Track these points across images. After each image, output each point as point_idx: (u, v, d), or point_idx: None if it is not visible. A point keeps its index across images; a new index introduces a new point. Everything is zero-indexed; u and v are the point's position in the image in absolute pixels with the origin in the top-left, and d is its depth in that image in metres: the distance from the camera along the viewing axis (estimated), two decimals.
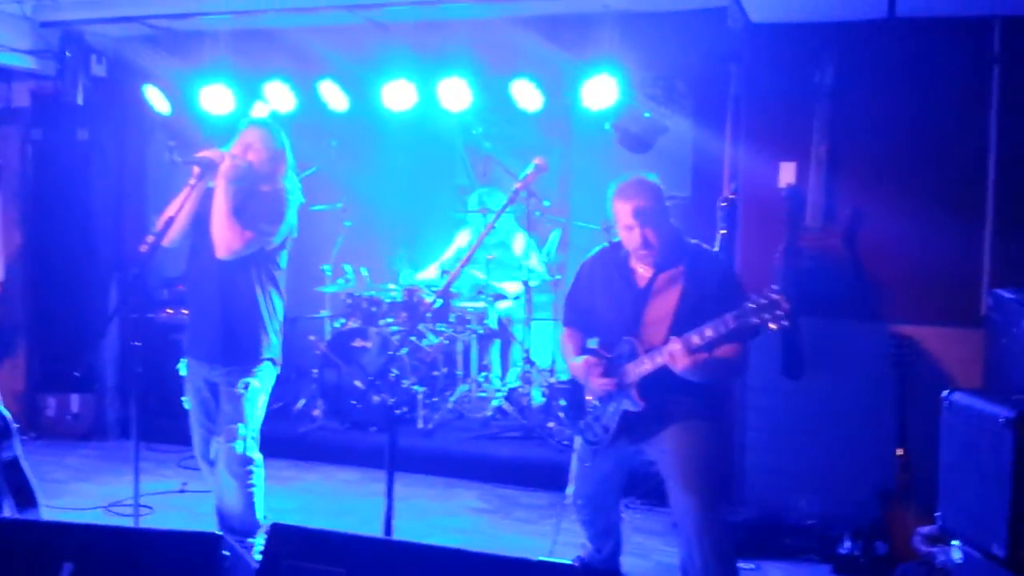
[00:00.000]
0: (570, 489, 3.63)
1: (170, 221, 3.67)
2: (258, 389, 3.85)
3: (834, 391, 4.52)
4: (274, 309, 3.90)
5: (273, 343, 3.90)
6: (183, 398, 4.00)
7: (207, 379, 3.90)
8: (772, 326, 2.95)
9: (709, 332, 3.04)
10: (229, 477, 3.82)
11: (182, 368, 4.00)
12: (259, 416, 3.90)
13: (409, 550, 2.34)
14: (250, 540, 3.86)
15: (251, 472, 3.85)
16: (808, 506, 4.49)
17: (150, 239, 3.67)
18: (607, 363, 3.36)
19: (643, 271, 3.37)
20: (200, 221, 3.81)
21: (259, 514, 3.89)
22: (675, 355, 3.08)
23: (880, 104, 4.55)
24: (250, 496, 3.85)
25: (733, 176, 5.03)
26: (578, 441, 3.57)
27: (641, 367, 3.23)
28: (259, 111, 5.94)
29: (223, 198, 3.68)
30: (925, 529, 3.79)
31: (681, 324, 3.15)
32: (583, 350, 3.50)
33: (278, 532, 2.41)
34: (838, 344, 4.53)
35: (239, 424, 3.79)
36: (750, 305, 2.96)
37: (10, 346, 6.29)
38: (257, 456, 3.89)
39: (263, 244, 3.78)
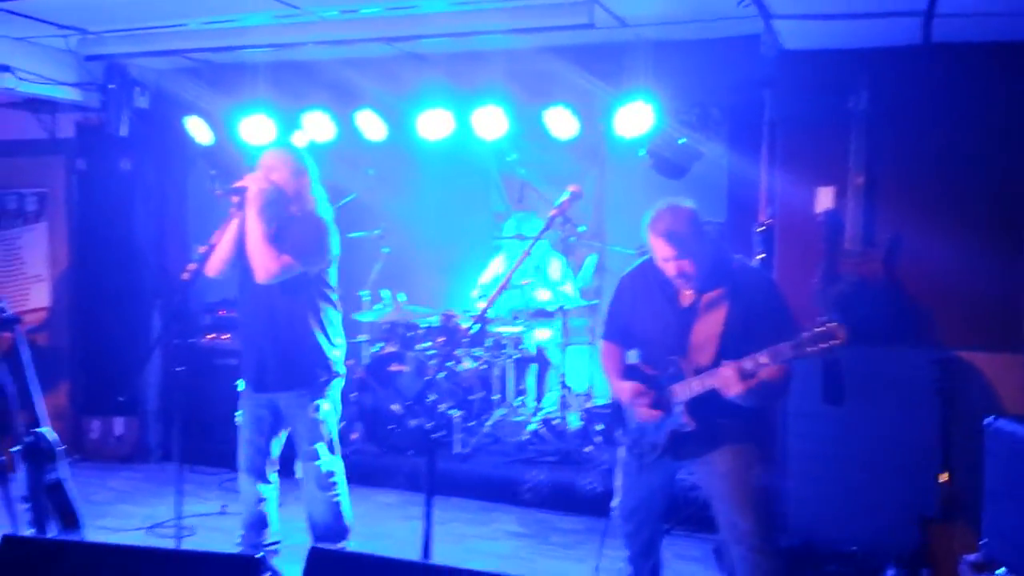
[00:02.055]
0: (615, 502, 3.58)
1: (211, 249, 3.75)
2: (330, 409, 3.97)
3: (876, 417, 4.48)
4: (331, 324, 3.99)
5: (334, 359, 3.99)
6: (237, 412, 4.07)
7: (270, 401, 3.98)
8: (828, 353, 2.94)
9: (764, 360, 3.02)
10: (317, 491, 3.98)
11: (240, 384, 4.07)
12: (335, 430, 4.01)
13: (449, 575, 2.34)
14: (341, 543, 4.01)
15: (335, 484, 4.01)
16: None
17: (192, 267, 3.76)
18: (651, 381, 3.34)
19: (687, 291, 3.34)
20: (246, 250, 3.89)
21: (347, 518, 4.04)
22: (728, 381, 3.05)
23: (916, 129, 4.54)
24: (337, 505, 4.02)
25: (769, 201, 5.03)
26: (621, 452, 3.53)
27: (690, 389, 3.21)
28: (298, 140, 6.06)
29: (255, 223, 3.76)
30: (971, 557, 3.72)
31: (728, 345, 3.13)
32: (625, 369, 3.48)
33: (318, 556, 2.43)
34: (879, 370, 4.49)
35: (317, 445, 3.92)
36: (806, 335, 2.94)
37: (55, 370, 6.42)
38: (338, 467, 4.02)
39: (306, 270, 3.86)
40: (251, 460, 4.05)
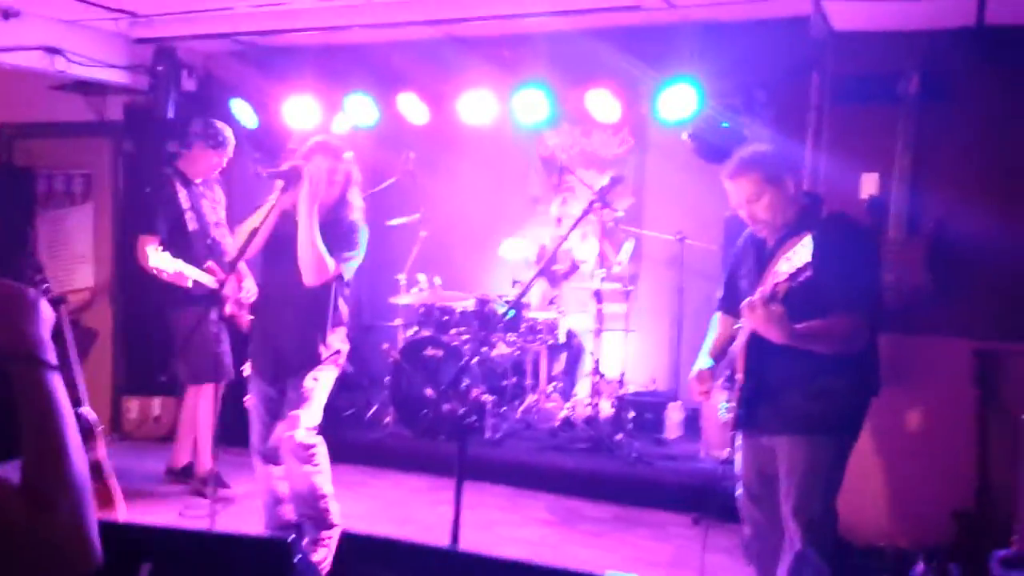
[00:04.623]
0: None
1: (254, 233, 3.74)
2: (324, 384, 3.95)
3: (911, 408, 4.37)
4: (340, 317, 4.00)
5: (339, 347, 4.00)
6: (246, 397, 4.07)
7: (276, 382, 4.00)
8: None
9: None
10: (295, 462, 3.87)
11: (247, 369, 4.08)
12: (320, 409, 3.96)
13: (478, 562, 2.34)
14: (325, 533, 3.91)
15: (315, 454, 3.90)
16: None
17: (235, 250, 3.77)
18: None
19: (771, 243, 3.20)
20: (278, 238, 3.84)
21: (332, 510, 3.93)
22: (752, 305, 2.90)
23: (967, 114, 4.40)
24: (315, 484, 3.89)
25: (813, 186, 4.92)
26: None
27: (742, 336, 3.09)
28: (341, 124, 6.07)
29: (310, 226, 3.70)
30: (1002, 553, 3.63)
31: (796, 297, 2.86)
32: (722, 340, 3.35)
33: (348, 539, 2.44)
34: (916, 360, 4.38)
35: (300, 412, 3.85)
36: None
37: (97, 350, 6.52)
38: (317, 439, 3.93)
39: (344, 272, 3.89)
40: (262, 440, 4.03)
